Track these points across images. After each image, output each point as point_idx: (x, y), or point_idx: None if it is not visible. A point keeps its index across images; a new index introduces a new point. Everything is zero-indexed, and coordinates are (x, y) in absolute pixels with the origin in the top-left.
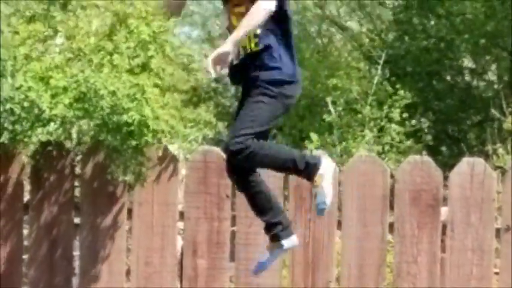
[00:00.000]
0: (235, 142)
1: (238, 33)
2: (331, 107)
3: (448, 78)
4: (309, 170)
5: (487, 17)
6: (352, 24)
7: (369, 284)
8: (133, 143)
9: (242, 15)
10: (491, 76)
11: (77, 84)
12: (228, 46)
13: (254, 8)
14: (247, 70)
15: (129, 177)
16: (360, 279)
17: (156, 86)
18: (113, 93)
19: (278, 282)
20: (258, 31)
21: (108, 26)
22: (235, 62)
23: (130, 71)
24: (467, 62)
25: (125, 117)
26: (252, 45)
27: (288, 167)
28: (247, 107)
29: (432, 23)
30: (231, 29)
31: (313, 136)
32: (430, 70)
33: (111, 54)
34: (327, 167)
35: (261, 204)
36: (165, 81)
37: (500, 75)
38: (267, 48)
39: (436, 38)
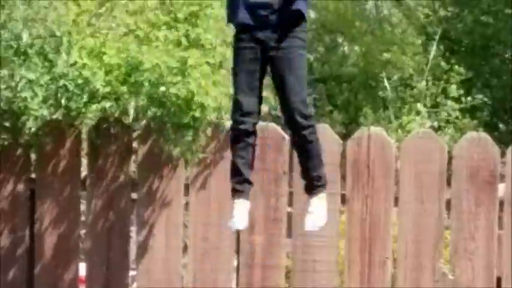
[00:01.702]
0: (309, 113)
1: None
2: (386, 83)
3: (505, 54)
4: (323, 181)
5: None
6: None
7: (426, 261)
8: (184, 119)
9: None
10: None
11: (128, 60)
12: None
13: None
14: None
15: (185, 153)
16: (417, 256)
17: (206, 63)
18: (157, 66)
19: (334, 257)
20: None
21: (157, 2)
22: None
23: (179, 46)
24: None
25: (170, 91)
26: None
27: (320, 160)
28: (295, 64)
29: None
30: None
31: (368, 112)
32: (485, 45)
33: (161, 29)
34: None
35: None
36: (215, 58)
37: None
38: None
39: (492, 13)
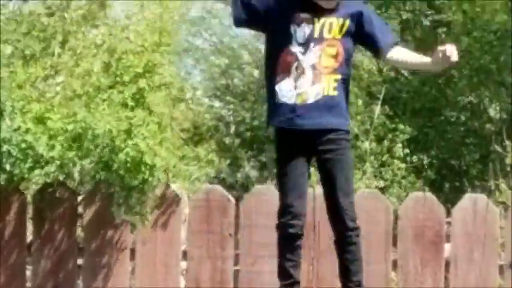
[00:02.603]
0: (356, 216)
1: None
2: None
3: (449, 113)
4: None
5: (485, 53)
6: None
7: None
8: (134, 182)
9: (333, 57)
10: (492, 111)
11: (73, 125)
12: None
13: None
14: (317, 116)
15: (131, 217)
16: None
17: (153, 122)
18: (109, 131)
19: None
20: (339, 76)
21: (104, 63)
22: (310, 101)
23: (126, 108)
24: (468, 98)
25: (121, 156)
26: (330, 89)
27: (361, 265)
28: (343, 165)
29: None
30: (317, 66)
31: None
32: (430, 106)
33: (107, 91)
34: None
35: None
36: (163, 118)
37: (502, 109)
38: (343, 95)
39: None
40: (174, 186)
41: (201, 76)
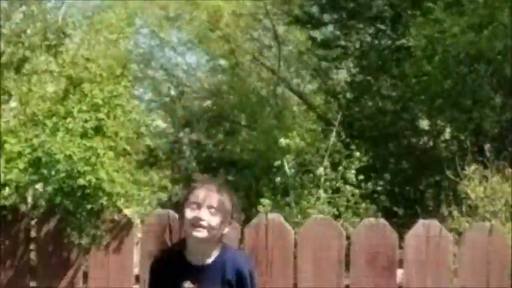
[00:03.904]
0: None
1: None
2: (286, 169)
3: (404, 139)
4: None
5: (443, 77)
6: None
7: None
8: (89, 206)
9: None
10: (447, 136)
11: (31, 149)
12: None
13: None
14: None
15: (84, 241)
16: None
17: (110, 149)
18: (69, 157)
19: None
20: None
21: (61, 90)
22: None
23: (85, 135)
24: (423, 123)
25: (80, 181)
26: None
27: None
28: None
29: (388, 84)
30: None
31: (265, 200)
32: (386, 132)
33: (65, 118)
34: None
35: None
36: (119, 145)
37: (456, 136)
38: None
39: (392, 99)
40: (126, 211)
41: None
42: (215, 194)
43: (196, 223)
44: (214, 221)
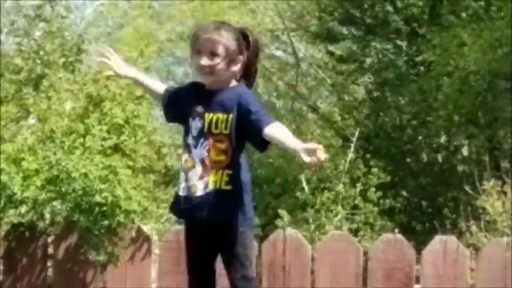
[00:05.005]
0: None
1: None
2: (304, 185)
3: (422, 155)
4: None
5: (461, 93)
6: (325, 102)
7: None
8: (106, 223)
9: (223, 151)
10: (465, 152)
11: (49, 167)
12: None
13: (281, 128)
14: (206, 209)
15: (102, 258)
16: None
17: (128, 167)
18: (85, 175)
19: None
20: (231, 171)
21: (81, 108)
22: (198, 194)
23: (103, 153)
24: (442, 139)
25: (97, 198)
26: (223, 183)
27: None
28: (236, 256)
29: (405, 100)
30: (206, 160)
31: (283, 213)
32: (403, 148)
33: (83, 136)
34: None
35: None
36: (138, 163)
37: (474, 152)
38: (237, 190)
39: (410, 115)
40: (144, 228)
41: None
42: (213, 37)
43: (200, 70)
44: (216, 64)
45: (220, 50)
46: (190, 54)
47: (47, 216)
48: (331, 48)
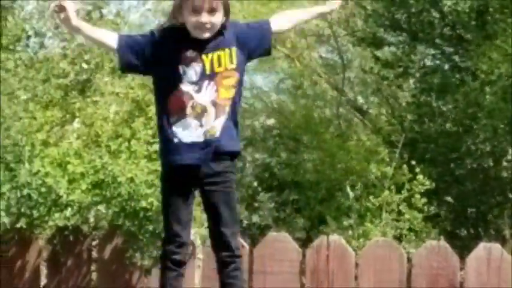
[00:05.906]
0: (237, 245)
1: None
2: (349, 190)
3: (467, 161)
4: None
5: (505, 102)
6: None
7: None
8: (151, 228)
9: (232, 86)
10: (510, 158)
11: (94, 171)
12: None
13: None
14: (229, 139)
15: (146, 262)
16: None
17: None
18: (131, 179)
19: None
20: (235, 103)
21: (126, 113)
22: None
23: (148, 157)
24: (486, 146)
25: (143, 203)
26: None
27: None
28: (230, 197)
29: (450, 106)
30: (217, 100)
31: (330, 220)
32: (448, 154)
33: (129, 140)
34: None
35: None
36: None
37: None
38: (235, 118)
39: (455, 121)
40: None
41: None
42: None
43: (200, 27)
44: (216, 20)
45: (219, 5)
46: (178, 14)
47: (92, 220)
48: (377, 53)
